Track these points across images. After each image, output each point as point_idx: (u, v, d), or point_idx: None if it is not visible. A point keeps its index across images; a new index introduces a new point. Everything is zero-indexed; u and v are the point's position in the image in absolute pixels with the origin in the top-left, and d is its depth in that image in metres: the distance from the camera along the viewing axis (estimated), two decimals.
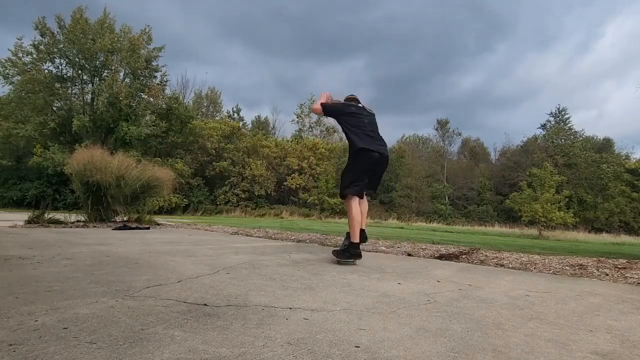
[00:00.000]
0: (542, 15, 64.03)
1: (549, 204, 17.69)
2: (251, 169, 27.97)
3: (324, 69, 66.71)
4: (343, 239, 3.64)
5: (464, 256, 4.28)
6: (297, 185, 29.79)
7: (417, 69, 68.99)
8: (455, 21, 64.15)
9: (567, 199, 20.75)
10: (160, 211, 17.16)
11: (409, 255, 4.29)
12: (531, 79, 61.71)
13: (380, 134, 3.45)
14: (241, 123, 36.58)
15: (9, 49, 20.58)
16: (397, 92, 69.80)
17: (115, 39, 21.65)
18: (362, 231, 3.28)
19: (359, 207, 3.24)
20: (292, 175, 29.94)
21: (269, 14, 64.11)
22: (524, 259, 4.18)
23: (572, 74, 63.41)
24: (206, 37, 63.43)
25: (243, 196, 27.57)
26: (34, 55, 20.95)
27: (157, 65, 23.62)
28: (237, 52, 64.45)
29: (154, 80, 23.85)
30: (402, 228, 16.07)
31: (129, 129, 20.89)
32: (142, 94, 23.17)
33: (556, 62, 64.27)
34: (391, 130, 72.73)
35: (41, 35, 20.95)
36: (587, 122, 61.49)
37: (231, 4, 64.21)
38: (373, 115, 3.54)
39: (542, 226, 17.29)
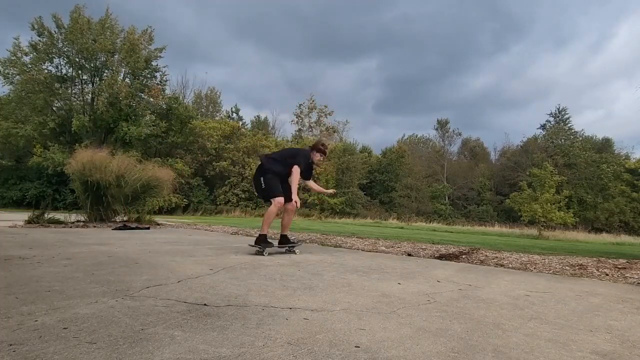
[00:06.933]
0: (558, 15, 62.77)
1: (549, 204, 17.67)
2: (251, 169, 27.92)
3: (336, 68, 65.29)
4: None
5: (464, 256, 4.29)
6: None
7: (429, 70, 67.78)
8: (471, 21, 62.96)
9: (567, 199, 20.69)
10: (160, 211, 17.10)
11: (409, 255, 4.29)
12: (542, 79, 60.47)
13: (280, 158, 4.25)
14: (240, 123, 36.54)
15: (7, 49, 20.60)
16: (408, 92, 68.83)
17: (117, 39, 21.59)
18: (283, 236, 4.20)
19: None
20: None
21: (282, 14, 63.11)
22: (524, 259, 4.18)
23: (583, 74, 62.34)
24: (219, 37, 62.54)
25: (243, 196, 27.53)
26: (32, 55, 20.90)
27: (157, 65, 23.62)
28: (249, 53, 63.38)
29: (154, 80, 23.83)
30: (402, 228, 16.06)
31: (129, 129, 20.86)
32: (142, 94, 23.14)
33: (568, 63, 62.94)
34: (397, 130, 72.75)
35: (38, 35, 20.90)
36: (594, 121, 60.42)
37: (245, 4, 62.96)
38: (288, 149, 4.62)
39: (542, 226, 17.27)
